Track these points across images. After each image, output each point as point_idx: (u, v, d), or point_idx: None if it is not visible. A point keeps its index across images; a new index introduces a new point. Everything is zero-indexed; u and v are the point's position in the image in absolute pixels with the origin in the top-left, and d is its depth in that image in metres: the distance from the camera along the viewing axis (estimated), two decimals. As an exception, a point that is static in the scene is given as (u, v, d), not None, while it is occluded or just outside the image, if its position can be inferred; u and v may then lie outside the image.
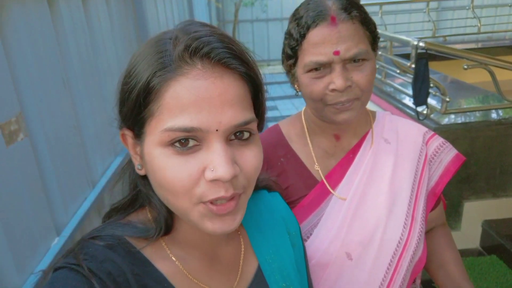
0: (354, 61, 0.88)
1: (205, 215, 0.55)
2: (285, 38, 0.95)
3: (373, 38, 0.93)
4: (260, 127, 0.61)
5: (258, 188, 0.78)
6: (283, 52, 0.97)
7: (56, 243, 1.29)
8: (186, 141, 0.52)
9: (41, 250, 1.22)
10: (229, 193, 0.53)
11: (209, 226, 0.55)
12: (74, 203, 1.46)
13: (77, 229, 1.38)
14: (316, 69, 0.89)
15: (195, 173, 0.52)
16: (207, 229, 0.55)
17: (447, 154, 1.06)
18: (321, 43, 0.86)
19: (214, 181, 0.52)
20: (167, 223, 0.61)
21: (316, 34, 0.87)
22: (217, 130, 0.52)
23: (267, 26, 8.91)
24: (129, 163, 0.64)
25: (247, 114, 0.54)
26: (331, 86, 0.88)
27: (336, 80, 0.87)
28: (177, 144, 0.52)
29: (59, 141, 1.35)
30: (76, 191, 1.48)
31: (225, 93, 0.52)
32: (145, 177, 0.60)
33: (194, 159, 0.52)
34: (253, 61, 0.57)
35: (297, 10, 0.93)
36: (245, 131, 0.55)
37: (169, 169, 0.52)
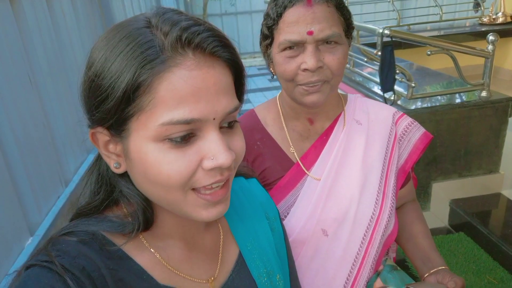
0: (327, 43, 0.91)
1: (199, 205, 0.55)
2: (263, 19, 0.98)
3: (347, 25, 0.96)
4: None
5: (235, 175, 0.79)
6: (261, 33, 0.99)
7: (30, 243, 1.27)
8: (186, 135, 0.52)
9: (15, 250, 1.20)
10: (225, 176, 0.54)
11: (203, 214, 0.56)
12: (47, 202, 1.43)
13: (51, 228, 1.36)
14: (289, 48, 0.91)
15: (193, 165, 0.52)
16: (201, 217, 0.56)
17: (415, 133, 1.10)
18: (296, 22, 0.89)
19: (213, 169, 0.53)
20: (147, 219, 0.59)
21: (292, 14, 0.90)
22: (214, 119, 0.52)
23: (236, 20, 8.87)
24: (97, 164, 0.62)
25: (236, 101, 0.56)
26: (303, 66, 0.90)
27: (308, 59, 0.89)
28: (176, 138, 0.51)
29: (28, 140, 1.32)
30: (49, 189, 1.45)
31: (219, 82, 0.52)
32: (122, 175, 0.59)
33: (190, 150, 0.52)
34: (236, 50, 0.57)
35: None
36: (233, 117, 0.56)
37: (166, 164, 0.51)
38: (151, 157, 0.52)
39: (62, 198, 1.51)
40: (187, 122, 0.50)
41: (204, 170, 0.53)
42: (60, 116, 1.58)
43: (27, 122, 1.33)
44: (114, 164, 0.57)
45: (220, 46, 0.53)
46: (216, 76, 0.52)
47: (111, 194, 0.61)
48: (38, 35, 1.46)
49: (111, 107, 0.51)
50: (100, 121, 0.54)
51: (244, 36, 8.79)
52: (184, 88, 0.50)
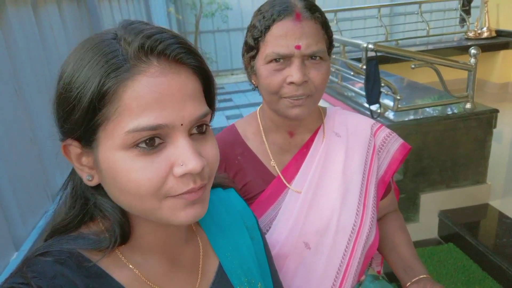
0: (312, 58, 0.93)
1: (177, 207, 0.54)
2: (248, 31, 0.98)
3: (330, 43, 0.99)
4: (210, 119, 0.61)
5: (213, 186, 0.79)
6: (245, 44, 1.00)
7: (15, 258, 1.25)
8: (152, 140, 0.51)
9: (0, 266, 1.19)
10: (198, 184, 0.54)
11: (181, 216, 0.55)
12: (33, 217, 1.43)
13: (37, 243, 1.35)
14: (275, 61, 0.92)
15: (163, 172, 0.52)
16: (180, 219, 0.55)
17: (393, 144, 1.11)
18: (284, 36, 0.91)
19: (184, 175, 0.52)
20: (124, 231, 0.59)
21: (280, 27, 0.91)
22: (181, 125, 0.52)
23: (228, 36, 8.97)
24: (71, 178, 0.62)
25: (204, 107, 0.56)
26: (289, 79, 0.91)
27: (295, 73, 0.91)
28: (142, 144, 0.51)
29: (14, 154, 1.32)
30: (35, 204, 1.45)
31: (184, 87, 0.53)
32: (95, 188, 0.58)
33: (160, 158, 0.52)
34: (203, 57, 0.58)
35: (262, 6, 0.97)
36: (204, 124, 0.57)
37: (134, 172, 0.51)
38: (120, 165, 0.52)
39: (49, 213, 1.51)
40: (153, 128, 0.50)
41: (176, 177, 0.52)
42: (47, 130, 1.59)
43: (13, 136, 1.33)
44: (87, 177, 0.57)
45: (184, 52, 0.54)
46: (181, 82, 0.53)
47: (86, 209, 0.60)
48: (25, 49, 1.47)
49: (78, 117, 0.52)
50: (69, 133, 0.54)
51: (237, 52, 8.87)
52: (148, 95, 0.50)
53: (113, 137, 0.51)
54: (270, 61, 0.93)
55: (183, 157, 0.52)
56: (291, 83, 0.92)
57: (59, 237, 0.59)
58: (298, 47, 0.90)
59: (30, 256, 0.56)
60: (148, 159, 0.51)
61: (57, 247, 0.56)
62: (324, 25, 0.96)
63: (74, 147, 0.56)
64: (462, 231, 2.47)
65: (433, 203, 2.60)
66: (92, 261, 0.57)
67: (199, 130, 0.56)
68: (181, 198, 0.54)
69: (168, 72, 0.52)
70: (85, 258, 0.57)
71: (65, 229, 0.60)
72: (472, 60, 2.35)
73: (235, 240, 0.74)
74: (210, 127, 0.59)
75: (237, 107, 6.65)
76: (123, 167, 0.51)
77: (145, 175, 0.51)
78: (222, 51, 9.04)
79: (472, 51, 2.33)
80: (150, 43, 0.51)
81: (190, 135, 0.55)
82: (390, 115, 2.52)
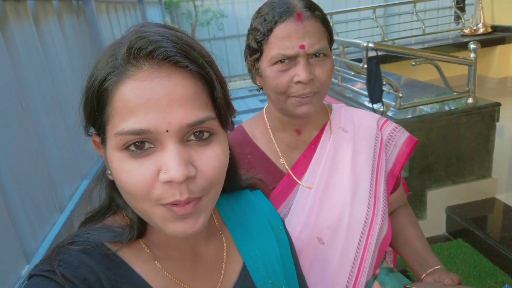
0: (316, 56, 0.94)
1: (166, 218, 0.54)
2: (250, 34, 0.99)
3: (331, 38, 1.00)
4: (228, 126, 0.59)
5: (241, 188, 0.79)
6: (248, 47, 1.01)
7: (26, 271, 1.25)
8: (141, 144, 0.51)
9: (11, 279, 1.18)
10: (184, 197, 0.52)
11: (171, 228, 0.54)
12: (43, 229, 1.43)
13: (48, 255, 1.35)
14: (281, 62, 0.94)
15: (150, 176, 0.51)
16: (169, 231, 0.55)
17: (400, 137, 1.13)
18: (288, 37, 0.92)
19: (169, 182, 0.51)
20: (138, 226, 0.60)
21: (283, 29, 0.92)
22: (167, 131, 0.51)
23: (225, 44, 9.01)
24: (104, 170, 0.63)
25: (201, 113, 0.53)
26: (296, 79, 0.93)
27: (301, 72, 0.92)
28: (132, 147, 0.51)
29: (22, 166, 1.33)
30: (44, 216, 1.45)
31: (173, 92, 0.50)
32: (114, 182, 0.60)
33: (148, 162, 0.52)
34: (206, 59, 0.55)
35: (261, 8, 0.98)
36: (204, 130, 0.54)
37: (125, 173, 0.52)
38: (115, 165, 0.53)
39: (57, 225, 1.50)
40: (137, 133, 0.50)
41: (162, 183, 0.52)
42: (53, 142, 1.59)
43: (20, 149, 1.33)
44: (107, 170, 0.59)
45: (177, 55, 0.51)
46: (170, 86, 0.51)
47: (113, 200, 0.63)
48: (28, 61, 1.48)
49: (89, 112, 0.55)
50: (86, 127, 0.57)
51: (233, 59, 8.91)
52: (133, 99, 0.50)
53: (111, 138, 0.53)
54: (276, 63, 0.94)
55: (167, 163, 0.51)
56: (298, 82, 0.93)
57: (86, 228, 0.61)
58: (302, 47, 0.91)
59: (60, 244, 0.58)
60: (137, 162, 0.52)
61: (84, 238, 0.58)
62: (325, 22, 0.97)
63: (98, 142, 0.58)
64: (471, 226, 2.46)
65: (440, 199, 2.60)
66: (116, 253, 0.58)
67: (198, 137, 0.54)
68: (170, 210, 0.53)
69: (155, 76, 0.50)
70: (109, 249, 0.58)
71: (95, 216, 0.63)
72: (472, 55, 2.36)
73: (260, 241, 0.74)
74: (219, 135, 0.56)
75: (237, 113, 6.68)
76: (117, 167, 0.53)
77: (133, 178, 0.52)
78: (219, 58, 9.06)
79: (472, 45, 2.35)
80: (138, 44, 0.50)
81: (187, 141, 0.53)
82: (393, 113, 2.52)
